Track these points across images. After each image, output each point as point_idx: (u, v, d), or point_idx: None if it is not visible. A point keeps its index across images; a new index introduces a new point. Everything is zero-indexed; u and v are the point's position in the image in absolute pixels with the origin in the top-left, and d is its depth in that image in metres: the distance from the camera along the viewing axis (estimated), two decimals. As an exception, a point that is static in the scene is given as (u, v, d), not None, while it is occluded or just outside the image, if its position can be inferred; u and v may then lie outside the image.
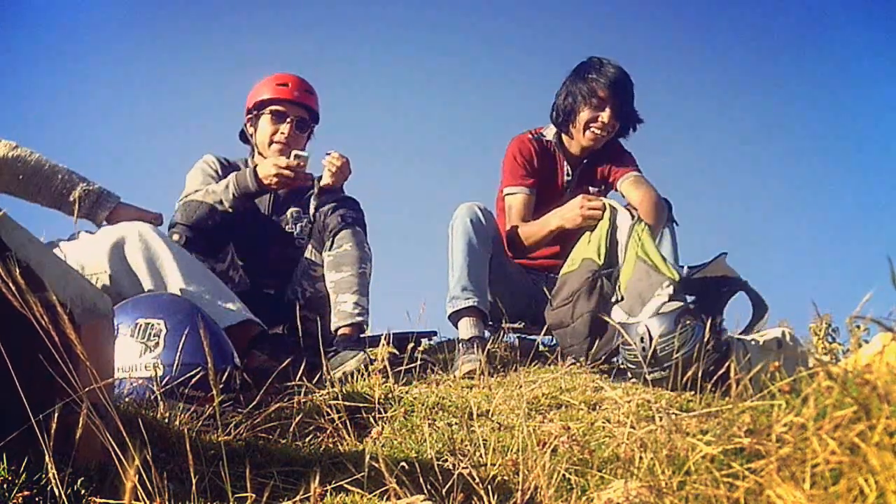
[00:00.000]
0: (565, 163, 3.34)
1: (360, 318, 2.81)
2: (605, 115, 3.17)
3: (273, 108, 3.10)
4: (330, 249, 2.89)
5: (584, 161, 3.33)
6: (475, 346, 2.85)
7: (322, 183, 3.00)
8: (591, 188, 3.34)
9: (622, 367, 2.70)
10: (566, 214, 3.05)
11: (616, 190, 3.32)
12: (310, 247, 3.02)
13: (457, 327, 3.01)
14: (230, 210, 2.92)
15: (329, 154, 3.02)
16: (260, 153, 3.16)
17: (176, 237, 2.80)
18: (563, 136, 3.33)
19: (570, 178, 3.34)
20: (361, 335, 2.86)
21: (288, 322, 2.95)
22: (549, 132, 3.36)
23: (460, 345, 2.91)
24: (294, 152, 2.97)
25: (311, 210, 3.03)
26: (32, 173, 2.53)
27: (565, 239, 3.16)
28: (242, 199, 2.94)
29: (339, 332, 2.79)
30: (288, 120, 3.09)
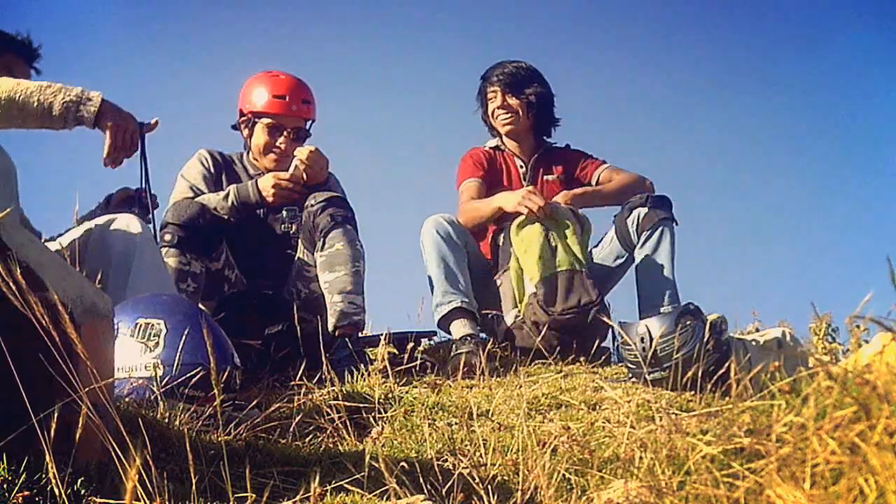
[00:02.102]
0: (516, 159, 3.53)
1: (357, 318, 2.80)
2: (497, 100, 3.46)
3: (269, 120, 3.07)
4: (322, 250, 2.86)
5: (535, 156, 3.53)
6: (469, 341, 2.87)
7: (304, 178, 2.98)
8: (547, 177, 3.51)
9: (622, 366, 2.71)
10: (509, 197, 3.20)
11: (590, 183, 3.49)
12: (301, 247, 3.01)
13: (451, 333, 3.03)
14: (226, 218, 2.93)
15: (299, 150, 2.99)
16: (255, 158, 3.16)
17: (168, 237, 2.81)
18: (502, 138, 3.57)
19: (524, 169, 3.52)
20: (360, 334, 2.86)
21: (287, 322, 2.95)
22: (491, 143, 3.59)
23: (454, 345, 2.93)
24: (297, 150, 2.97)
25: (287, 222, 3.02)
26: (7, 107, 2.35)
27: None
28: (242, 210, 2.94)
29: (338, 332, 2.78)
30: (285, 133, 3.07)
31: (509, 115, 3.45)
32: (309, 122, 3.16)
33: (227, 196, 2.94)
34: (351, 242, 2.87)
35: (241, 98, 3.15)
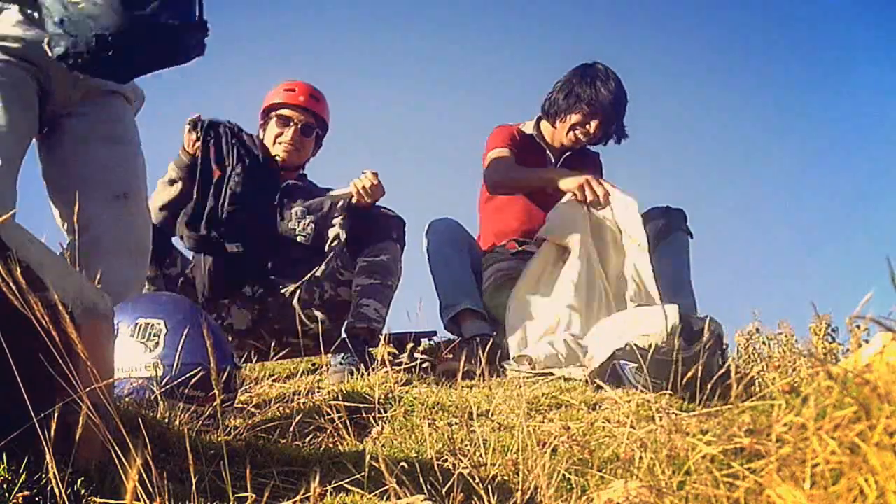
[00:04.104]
0: (548, 153, 3.43)
1: (376, 325, 2.84)
2: (593, 125, 3.28)
3: (279, 112, 3.19)
4: (367, 256, 2.92)
5: (566, 155, 3.43)
6: (473, 346, 2.86)
7: (354, 200, 2.96)
8: None
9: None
10: (567, 176, 3.12)
11: None
12: (345, 251, 3.02)
13: (461, 334, 3.04)
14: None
15: (364, 173, 2.97)
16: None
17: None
18: (544, 128, 3.43)
19: (553, 163, 3.42)
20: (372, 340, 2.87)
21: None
22: (527, 127, 3.45)
23: (460, 345, 2.93)
24: (364, 173, 2.95)
25: (338, 228, 3.03)
26: None
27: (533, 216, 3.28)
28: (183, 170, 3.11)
29: (352, 331, 2.80)
30: (293, 124, 3.18)
31: (586, 139, 3.35)
32: (318, 128, 3.24)
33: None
34: (395, 261, 2.93)
35: (261, 108, 3.29)
